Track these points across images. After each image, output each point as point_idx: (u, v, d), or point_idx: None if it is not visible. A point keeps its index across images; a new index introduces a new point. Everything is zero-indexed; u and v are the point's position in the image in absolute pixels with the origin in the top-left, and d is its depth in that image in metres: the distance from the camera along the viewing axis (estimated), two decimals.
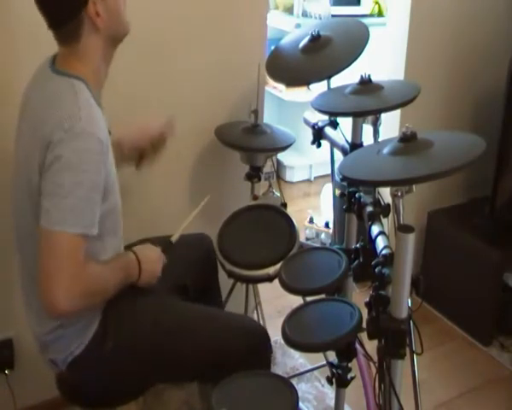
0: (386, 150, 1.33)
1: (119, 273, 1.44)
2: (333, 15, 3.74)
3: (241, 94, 2.22)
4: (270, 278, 1.73)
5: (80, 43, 1.38)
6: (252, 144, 2.07)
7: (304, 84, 3.28)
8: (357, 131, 1.78)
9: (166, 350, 1.51)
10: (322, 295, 1.56)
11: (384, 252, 1.36)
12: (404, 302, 1.25)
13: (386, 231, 1.47)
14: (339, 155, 1.87)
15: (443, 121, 2.76)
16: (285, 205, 2.07)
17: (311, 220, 3.34)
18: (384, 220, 1.52)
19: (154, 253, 1.56)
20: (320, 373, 2.36)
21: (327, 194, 3.39)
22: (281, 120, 3.83)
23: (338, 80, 1.82)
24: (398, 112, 2.51)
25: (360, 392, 1.87)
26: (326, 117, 1.90)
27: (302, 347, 1.46)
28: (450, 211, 2.85)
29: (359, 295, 1.95)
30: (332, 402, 2.08)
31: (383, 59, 2.79)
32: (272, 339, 1.68)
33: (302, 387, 2.31)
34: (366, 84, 1.66)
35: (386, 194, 1.48)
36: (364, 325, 1.31)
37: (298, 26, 3.58)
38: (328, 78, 1.87)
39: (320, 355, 2.11)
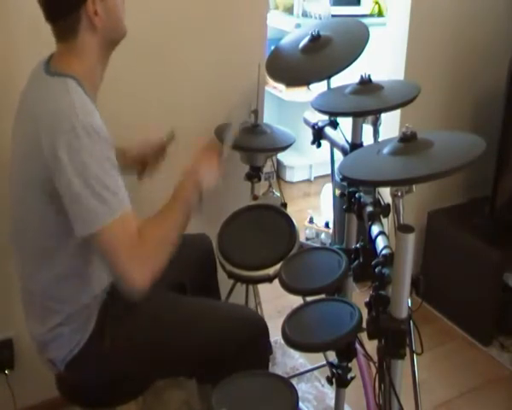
0: (386, 150, 1.33)
1: (180, 207, 1.43)
2: (333, 15, 3.74)
3: (241, 94, 2.22)
4: (270, 279, 1.73)
5: (77, 39, 1.38)
6: (252, 144, 2.07)
7: (304, 84, 3.28)
8: (357, 131, 1.77)
9: (166, 344, 1.51)
10: (323, 295, 1.56)
11: (384, 252, 1.36)
12: (404, 302, 1.25)
13: (386, 231, 1.47)
14: (339, 155, 1.87)
15: (443, 121, 2.76)
16: (285, 205, 2.07)
17: (311, 220, 3.33)
18: (384, 220, 1.52)
19: (204, 161, 1.59)
20: (320, 373, 2.35)
21: (327, 194, 3.39)
22: (281, 120, 3.83)
23: (338, 80, 1.82)
24: (398, 112, 2.51)
25: (360, 392, 1.87)
26: (326, 117, 1.90)
27: (302, 347, 1.46)
28: (450, 211, 2.85)
29: (359, 295, 1.95)
30: (332, 402, 2.07)
31: (383, 59, 2.78)
32: (272, 339, 1.68)
33: (302, 387, 2.31)
34: (366, 84, 1.66)
35: (386, 194, 1.48)
36: (364, 325, 1.31)
37: (298, 26, 3.58)
38: (328, 78, 1.87)
39: (320, 355, 2.11)
